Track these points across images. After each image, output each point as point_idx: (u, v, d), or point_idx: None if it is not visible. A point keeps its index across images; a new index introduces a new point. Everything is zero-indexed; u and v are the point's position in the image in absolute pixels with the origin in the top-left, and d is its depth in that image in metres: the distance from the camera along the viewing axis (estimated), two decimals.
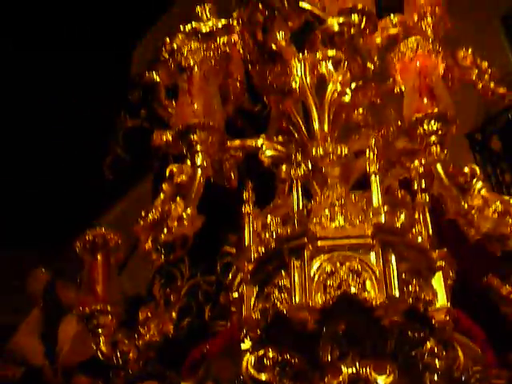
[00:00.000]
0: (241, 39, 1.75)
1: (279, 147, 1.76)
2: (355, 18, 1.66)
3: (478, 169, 1.87)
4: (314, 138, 1.75)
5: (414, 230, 1.38)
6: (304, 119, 1.79)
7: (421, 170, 1.62)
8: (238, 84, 1.92)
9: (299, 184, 1.41)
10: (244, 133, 2.11)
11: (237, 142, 1.77)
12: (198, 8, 1.94)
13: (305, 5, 1.70)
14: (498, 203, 1.73)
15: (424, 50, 1.71)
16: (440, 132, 1.60)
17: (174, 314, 1.85)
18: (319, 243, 1.31)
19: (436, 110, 1.61)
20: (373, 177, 1.39)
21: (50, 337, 3.58)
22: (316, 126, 1.76)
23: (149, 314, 1.71)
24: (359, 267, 1.29)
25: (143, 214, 1.62)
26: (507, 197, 1.82)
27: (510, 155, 8.47)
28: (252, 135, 1.85)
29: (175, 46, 1.91)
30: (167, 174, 1.72)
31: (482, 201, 1.55)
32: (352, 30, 1.59)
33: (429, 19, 1.91)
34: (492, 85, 1.90)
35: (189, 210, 1.52)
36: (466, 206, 1.54)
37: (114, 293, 1.81)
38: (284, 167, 1.71)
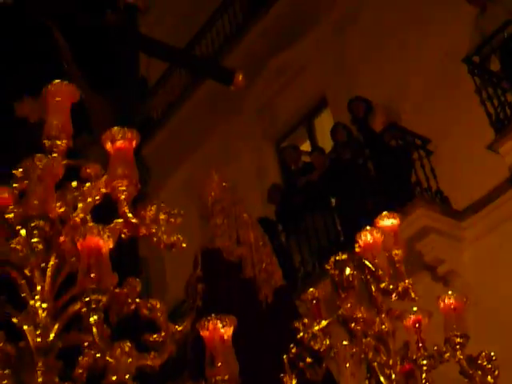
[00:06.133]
0: None
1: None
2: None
3: None
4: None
5: None
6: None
7: None
8: None
9: None
10: None
11: None
12: None
13: None
14: None
15: (92, 234, 2.57)
16: (93, 305, 2.48)
17: None
18: None
19: (92, 286, 2.49)
20: None
21: None
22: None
23: None
24: None
25: None
26: None
27: (509, 74, 8.89)
28: None
29: None
30: None
31: None
32: None
33: (121, 188, 2.74)
34: (165, 237, 2.72)
35: None
36: None
37: None
38: None
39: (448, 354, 3.14)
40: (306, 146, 10.92)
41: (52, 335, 2.61)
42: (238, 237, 4.50)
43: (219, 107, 10.59)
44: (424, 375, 3.06)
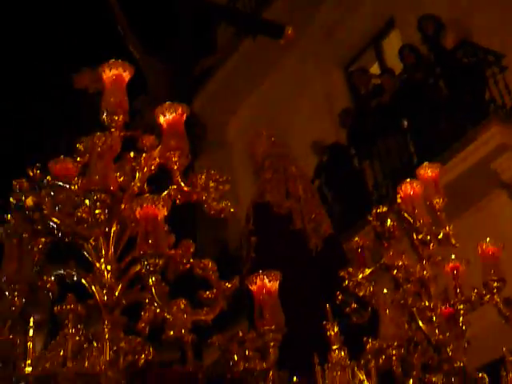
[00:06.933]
0: None
1: None
2: None
3: None
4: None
5: None
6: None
7: None
8: None
9: None
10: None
11: None
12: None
13: None
14: None
15: (148, 204, 2.91)
16: (152, 268, 2.83)
17: None
18: None
19: (150, 251, 2.84)
20: None
21: None
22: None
23: None
24: None
25: None
26: None
27: None
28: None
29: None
30: None
31: None
32: None
33: (174, 159, 3.05)
34: (214, 204, 3.05)
35: None
36: None
37: None
38: None
39: (488, 297, 3.39)
40: (374, 69, 10.95)
41: (117, 293, 3.01)
42: (286, 190, 4.79)
43: None
44: (461, 318, 3.34)
